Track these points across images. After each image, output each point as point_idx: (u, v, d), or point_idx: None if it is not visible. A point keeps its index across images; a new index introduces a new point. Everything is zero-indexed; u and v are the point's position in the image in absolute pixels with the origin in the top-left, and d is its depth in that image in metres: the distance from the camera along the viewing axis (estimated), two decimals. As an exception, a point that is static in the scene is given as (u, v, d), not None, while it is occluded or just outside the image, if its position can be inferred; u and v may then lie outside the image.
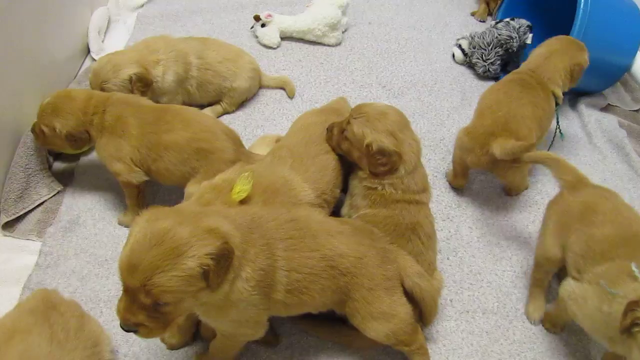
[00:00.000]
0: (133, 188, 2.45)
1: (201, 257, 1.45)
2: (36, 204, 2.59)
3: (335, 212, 2.39)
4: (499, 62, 3.60)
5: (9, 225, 2.52)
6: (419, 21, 4.18)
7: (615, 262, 1.90)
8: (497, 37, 3.57)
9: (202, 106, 3.10)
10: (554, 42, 2.88)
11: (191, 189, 2.35)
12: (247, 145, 2.69)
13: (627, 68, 3.39)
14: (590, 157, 3.19)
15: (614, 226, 2.03)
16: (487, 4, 4.40)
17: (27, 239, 2.50)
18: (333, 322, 2.16)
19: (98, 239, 2.50)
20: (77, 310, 1.91)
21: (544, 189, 2.95)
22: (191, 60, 2.98)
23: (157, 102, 2.86)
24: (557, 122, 2.99)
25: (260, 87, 3.37)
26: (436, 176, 2.91)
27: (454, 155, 2.80)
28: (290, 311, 1.92)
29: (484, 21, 4.31)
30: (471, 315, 2.36)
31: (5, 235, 2.50)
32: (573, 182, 2.29)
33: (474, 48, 3.66)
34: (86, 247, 2.47)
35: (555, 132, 3.01)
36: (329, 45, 3.80)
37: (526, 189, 2.91)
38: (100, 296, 2.27)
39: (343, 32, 3.89)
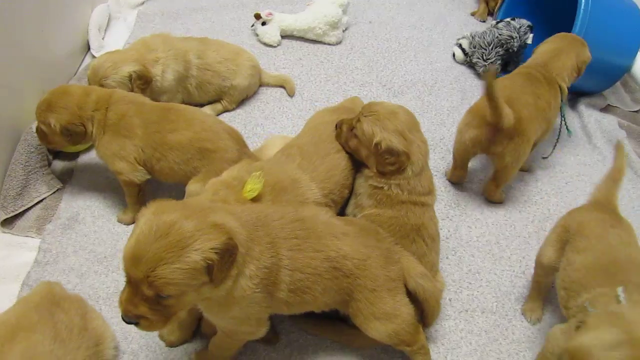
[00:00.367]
0: (134, 187, 2.45)
1: (206, 251, 1.45)
2: (35, 201, 2.59)
3: (341, 213, 2.39)
4: (499, 61, 3.61)
5: (8, 222, 2.52)
6: (419, 20, 4.18)
7: (598, 290, 1.85)
8: (497, 36, 3.57)
9: (201, 105, 3.10)
10: (559, 40, 2.91)
11: (192, 187, 2.35)
12: (250, 143, 2.68)
13: (627, 69, 3.39)
14: (589, 157, 3.20)
15: (593, 253, 1.98)
16: (487, 4, 4.40)
17: (27, 236, 2.50)
18: (333, 321, 2.17)
19: (97, 237, 2.50)
20: (81, 306, 1.91)
21: (544, 188, 2.96)
22: (191, 59, 2.98)
23: (157, 101, 2.86)
24: (563, 118, 2.99)
25: (261, 85, 3.37)
26: (436, 175, 2.91)
27: (454, 143, 2.79)
28: (292, 310, 1.92)
29: (484, 21, 4.31)
30: (470, 315, 2.36)
31: (4, 232, 2.49)
32: (598, 201, 2.23)
33: (475, 48, 3.66)
34: (85, 244, 2.47)
35: (560, 128, 3.02)
36: (329, 44, 3.80)
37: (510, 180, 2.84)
38: (100, 293, 2.27)
39: (343, 31, 3.88)
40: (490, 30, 3.66)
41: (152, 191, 2.66)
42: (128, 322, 1.54)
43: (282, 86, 3.40)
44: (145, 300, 1.49)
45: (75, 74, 3.30)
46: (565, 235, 2.15)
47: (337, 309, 2.02)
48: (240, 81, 3.13)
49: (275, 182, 2.08)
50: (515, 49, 3.57)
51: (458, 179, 2.92)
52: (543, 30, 3.52)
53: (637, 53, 3.33)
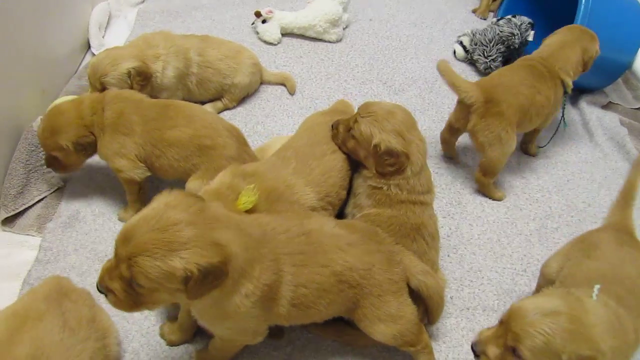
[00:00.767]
0: (134, 185, 2.44)
1: (190, 263, 1.43)
2: (36, 200, 2.59)
3: (339, 213, 2.39)
4: (500, 58, 3.60)
5: (9, 221, 2.51)
6: (419, 18, 4.18)
7: (582, 289, 1.83)
8: (498, 33, 3.57)
9: (202, 103, 3.09)
10: (566, 32, 2.91)
11: (192, 184, 2.34)
12: (250, 142, 2.66)
13: (628, 65, 3.39)
14: (591, 154, 3.20)
15: (600, 262, 1.98)
16: (489, 2, 4.40)
17: (27, 234, 2.49)
18: (335, 321, 2.16)
19: (98, 235, 2.49)
20: (88, 299, 1.90)
21: (545, 185, 2.96)
22: (191, 57, 2.97)
23: (157, 98, 2.86)
24: (563, 111, 3.00)
25: (261, 83, 3.36)
26: (437, 173, 2.91)
27: None
28: (293, 322, 1.91)
29: (485, 19, 4.30)
30: (471, 313, 2.36)
31: (5, 231, 2.49)
32: (614, 225, 2.19)
33: (476, 45, 3.66)
34: (86, 242, 2.46)
35: (560, 123, 3.03)
36: (329, 42, 3.79)
37: (499, 171, 2.85)
38: (98, 296, 2.27)
39: (344, 29, 3.88)
40: (491, 27, 3.66)
41: (153, 189, 2.65)
42: (100, 291, 1.55)
43: (282, 84, 3.39)
44: (120, 278, 1.49)
45: (75, 72, 3.29)
46: (576, 248, 2.13)
47: (341, 315, 2.01)
48: (241, 79, 3.12)
49: (270, 190, 2.06)
50: (517, 45, 3.56)
51: (445, 150, 3.04)
52: (544, 28, 3.51)
53: (638, 50, 3.33)
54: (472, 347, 1.76)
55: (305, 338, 2.21)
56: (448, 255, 2.56)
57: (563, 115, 3.01)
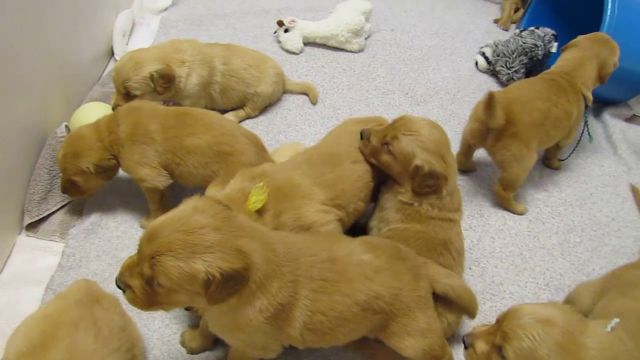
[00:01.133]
0: (157, 193, 2.45)
1: (213, 266, 1.43)
2: (59, 206, 2.60)
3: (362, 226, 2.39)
4: (522, 70, 3.59)
5: (33, 226, 2.53)
6: (441, 28, 4.18)
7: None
8: (521, 45, 3.56)
9: (224, 111, 3.11)
10: (585, 44, 2.87)
11: (211, 191, 2.34)
12: (271, 151, 2.67)
13: (653, 77, 3.35)
14: (615, 168, 3.17)
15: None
16: (511, 13, 4.39)
17: (51, 240, 2.51)
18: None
19: (120, 242, 2.50)
20: (118, 306, 1.90)
21: (568, 199, 2.94)
22: (216, 65, 2.98)
23: (180, 105, 2.87)
24: (586, 124, 2.97)
25: (284, 92, 3.37)
26: (459, 185, 2.87)
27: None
28: (309, 346, 1.87)
29: (507, 29, 4.29)
30: (493, 327, 2.34)
31: (29, 236, 2.51)
32: None
33: (498, 56, 3.65)
34: (108, 249, 2.48)
35: (581, 136, 3.00)
36: (351, 52, 3.80)
37: (521, 184, 2.83)
38: (122, 298, 2.23)
39: (366, 39, 3.89)
40: (514, 38, 3.64)
41: (175, 196, 2.66)
42: (118, 286, 1.56)
43: (305, 93, 3.40)
44: (141, 276, 1.49)
45: (99, 79, 3.31)
46: (610, 283, 2.07)
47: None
48: (264, 88, 3.13)
49: (277, 188, 2.05)
50: (540, 57, 3.55)
51: (459, 164, 2.92)
52: (567, 39, 3.48)
53: (664, 61, 3.29)
54: (463, 339, 1.76)
55: (325, 349, 2.19)
56: (470, 268, 2.54)
57: (587, 129, 2.98)
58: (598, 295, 2.05)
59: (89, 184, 2.47)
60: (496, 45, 3.72)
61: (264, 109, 3.26)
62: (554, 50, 3.56)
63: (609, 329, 1.66)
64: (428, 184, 2.16)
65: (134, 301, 1.55)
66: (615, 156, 3.26)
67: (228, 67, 3.03)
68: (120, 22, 3.60)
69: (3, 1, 2.24)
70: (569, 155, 3.10)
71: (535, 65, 3.64)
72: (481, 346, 1.70)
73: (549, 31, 3.58)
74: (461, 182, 2.93)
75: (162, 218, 1.50)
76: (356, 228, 2.37)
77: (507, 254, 2.64)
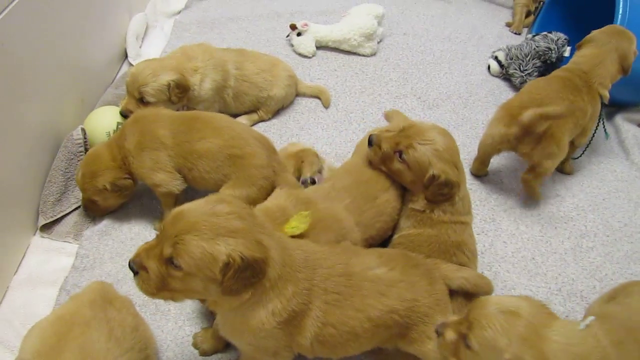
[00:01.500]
0: (172, 197, 2.47)
1: (235, 250, 1.44)
2: (74, 208, 2.62)
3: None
4: (536, 73, 3.59)
5: (47, 227, 2.55)
6: (453, 33, 4.18)
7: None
8: (535, 48, 3.56)
9: (237, 115, 3.12)
10: (603, 38, 2.86)
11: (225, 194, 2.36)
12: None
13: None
14: (627, 173, 3.16)
15: (625, 308, 1.89)
16: (522, 16, 4.39)
17: (65, 241, 2.52)
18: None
19: (134, 244, 2.51)
20: (131, 307, 1.91)
21: (580, 204, 2.93)
22: (229, 69, 2.99)
23: (194, 109, 2.88)
24: (603, 122, 2.97)
25: (296, 95, 3.38)
26: (470, 189, 2.87)
27: (482, 136, 2.85)
28: (319, 355, 1.86)
29: (519, 33, 4.30)
30: (505, 331, 2.34)
31: (43, 237, 2.53)
32: None
33: (512, 59, 3.66)
34: (122, 251, 2.49)
35: (595, 132, 2.99)
36: (364, 56, 3.81)
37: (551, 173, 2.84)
38: (135, 300, 2.26)
39: (378, 43, 3.89)
40: (528, 42, 3.65)
41: (189, 200, 2.67)
42: (130, 267, 1.56)
43: (317, 97, 3.41)
44: (158, 258, 1.50)
45: (112, 82, 3.34)
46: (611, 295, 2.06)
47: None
48: (277, 92, 3.14)
49: (319, 220, 2.03)
50: (553, 60, 3.55)
51: (477, 171, 2.97)
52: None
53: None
54: (435, 328, 1.76)
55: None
56: (482, 272, 2.53)
57: (604, 126, 2.98)
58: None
59: (108, 203, 2.53)
60: (509, 49, 3.72)
61: (277, 112, 3.27)
62: (566, 54, 3.55)
63: (582, 326, 1.65)
64: (442, 193, 2.17)
65: (146, 283, 1.55)
66: (628, 161, 3.25)
67: (241, 72, 3.04)
68: (133, 25, 3.63)
69: (18, 5, 2.26)
70: (582, 154, 3.09)
71: (548, 68, 3.62)
72: (450, 335, 1.70)
73: (562, 35, 3.58)
74: (473, 187, 2.93)
75: (189, 204, 1.52)
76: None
77: (519, 258, 2.64)
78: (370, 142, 2.32)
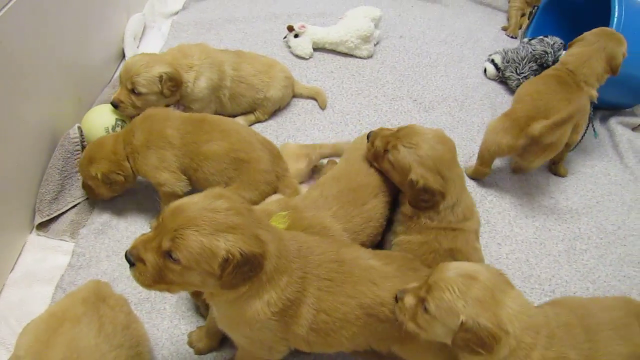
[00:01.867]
0: (174, 198, 2.45)
1: (234, 246, 1.45)
2: (70, 206, 2.63)
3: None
4: (532, 76, 3.59)
5: (43, 225, 2.55)
6: (450, 36, 4.20)
7: None
8: (531, 52, 3.58)
9: (233, 116, 3.13)
10: (591, 39, 2.88)
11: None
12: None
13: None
14: (621, 177, 3.19)
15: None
16: (517, 19, 4.41)
17: (61, 240, 2.53)
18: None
19: (130, 242, 2.48)
20: (125, 305, 1.93)
21: (574, 207, 2.95)
22: (225, 70, 3.00)
23: (189, 109, 2.90)
24: (591, 121, 2.99)
25: (293, 96, 3.39)
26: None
27: (484, 142, 2.85)
28: (315, 349, 1.88)
29: (515, 37, 4.31)
30: (499, 332, 2.35)
31: (40, 235, 2.53)
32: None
33: (508, 62, 3.67)
34: (118, 249, 2.50)
35: (586, 130, 3.01)
36: (360, 58, 3.82)
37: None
38: (131, 298, 2.29)
39: (375, 45, 3.90)
40: (524, 46, 3.67)
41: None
42: (127, 259, 1.56)
43: (314, 98, 3.42)
44: (156, 251, 1.50)
45: (109, 81, 3.34)
46: None
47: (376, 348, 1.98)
48: (273, 93, 3.14)
49: (307, 227, 2.05)
50: (549, 64, 3.55)
51: (482, 175, 2.97)
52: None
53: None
54: (395, 294, 1.77)
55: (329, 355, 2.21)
56: (476, 274, 2.55)
57: (593, 126, 3.01)
58: None
59: (99, 190, 2.55)
60: (506, 52, 3.74)
61: (274, 113, 3.28)
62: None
63: (536, 303, 1.73)
64: (423, 199, 2.14)
65: (142, 275, 1.54)
66: (621, 165, 3.27)
67: (238, 73, 3.05)
68: (131, 26, 3.63)
69: (17, 5, 2.26)
70: (573, 149, 3.09)
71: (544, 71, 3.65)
72: (409, 300, 1.71)
73: (558, 40, 3.60)
74: (469, 188, 2.92)
75: (188, 198, 1.53)
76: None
77: (513, 260, 2.65)
78: (367, 138, 2.34)
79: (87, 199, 2.68)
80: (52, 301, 2.26)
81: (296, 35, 3.73)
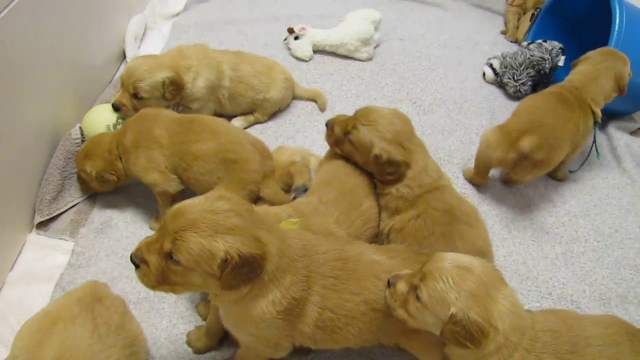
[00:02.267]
0: (168, 197, 2.49)
1: (232, 247, 1.47)
2: (70, 206, 2.64)
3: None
4: (530, 82, 3.62)
5: (44, 225, 2.56)
6: (449, 39, 4.21)
7: None
8: (529, 57, 3.59)
9: (233, 116, 3.15)
10: (598, 58, 2.88)
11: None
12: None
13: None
14: (619, 180, 3.20)
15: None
16: (515, 23, 4.42)
17: (61, 239, 2.54)
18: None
19: (129, 242, 2.54)
20: (121, 306, 1.94)
21: (572, 210, 2.96)
22: (224, 70, 3.01)
23: (188, 108, 2.91)
24: (595, 140, 2.99)
25: (293, 97, 3.40)
26: (464, 193, 2.91)
27: (478, 153, 2.85)
28: (321, 346, 1.89)
29: (514, 41, 4.32)
30: (496, 334, 2.36)
31: (40, 234, 2.54)
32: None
33: (506, 68, 3.68)
34: (117, 249, 2.51)
35: (591, 150, 3.03)
36: (360, 60, 3.83)
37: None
38: (130, 297, 2.30)
39: (374, 48, 3.92)
40: (522, 51, 3.68)
41: (188, 198, 2.69)
42: (132, 261, 1.58)
43: (313, 100, 3.43)
44: (159, 252, 1.53)
45: (110, 82, 3.35)
46: None
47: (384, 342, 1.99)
48: (273, 94, 3.16)
49: (314, 232, 2.04)
50: (547, 70, 3.57)
51: (479, 183, 2.98)
52: (574, 51, 3.51)
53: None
54: (388, 279, 1.77)
55: (330, 352, 2.22)
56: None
57: (596, 146, 3.00)
58: None
59: (92, 184, 2.59)
60: (504, 57, 3.75)
61: (273, 114, 3.29)
62: (561, 63, 3.58)
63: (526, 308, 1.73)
64: (389, 172, 2.21)
65: (146, 276, 1.58)
66: (619, 169, 3.29)
67: (237, 73, 3.06)
68: (132, 27, 3.64)
69: (19, 5, 2.28)
70: (578, 169, 3.13)
71: (542, 78, 3.66)
72: (401, 286, 1.72)
73: (557, 44, 3.60)
74: (466, 192, 2.96)
75: (189, 200, 1.55)
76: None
77: (510, 262, 2.66)
78: (326, 126, 2.40)
79: (87, 198, 2.69)
80: (51, 300, 2.27)
81: (296, 38, 3.74)
